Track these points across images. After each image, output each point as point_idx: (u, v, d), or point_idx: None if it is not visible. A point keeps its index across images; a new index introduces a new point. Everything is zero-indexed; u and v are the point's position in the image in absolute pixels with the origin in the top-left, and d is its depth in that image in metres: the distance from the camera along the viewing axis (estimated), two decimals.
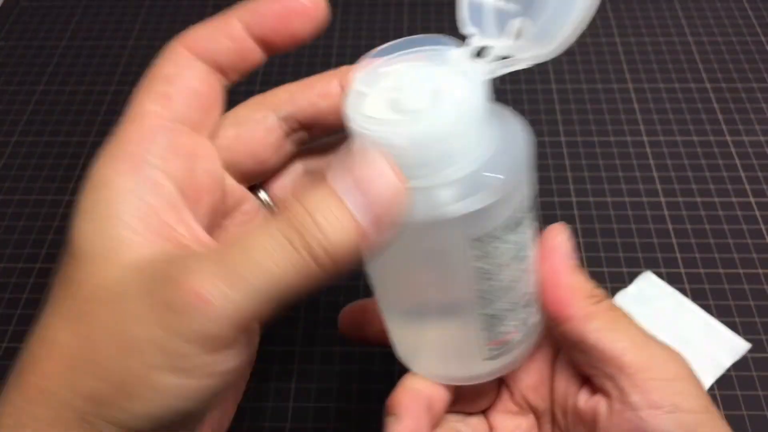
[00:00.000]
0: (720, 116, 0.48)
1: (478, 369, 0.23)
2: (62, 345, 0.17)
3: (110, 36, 0.56)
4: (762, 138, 0.46)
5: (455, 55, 0.20)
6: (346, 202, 0.17)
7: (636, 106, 0.48)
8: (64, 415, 0.17)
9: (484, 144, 0.20)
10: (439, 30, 0.55)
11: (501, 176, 0.19)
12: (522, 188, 0.21)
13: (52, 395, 0.17)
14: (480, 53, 0.21)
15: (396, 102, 0.19)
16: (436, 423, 0.24)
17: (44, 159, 0.47)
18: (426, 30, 0.55)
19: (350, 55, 0.53)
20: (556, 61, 0.52)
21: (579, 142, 0.46)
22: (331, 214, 0.16)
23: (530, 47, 0.20)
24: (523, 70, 0.53)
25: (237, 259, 0.16)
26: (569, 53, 0.52)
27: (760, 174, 0.44)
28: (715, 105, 0.48)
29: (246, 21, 0.21)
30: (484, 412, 0.27)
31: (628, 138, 0.46)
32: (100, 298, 0.18)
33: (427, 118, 0.18)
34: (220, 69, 0.22)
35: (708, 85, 0.50)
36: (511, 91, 0.50)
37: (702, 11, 0.56)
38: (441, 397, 0.24)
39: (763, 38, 0.53)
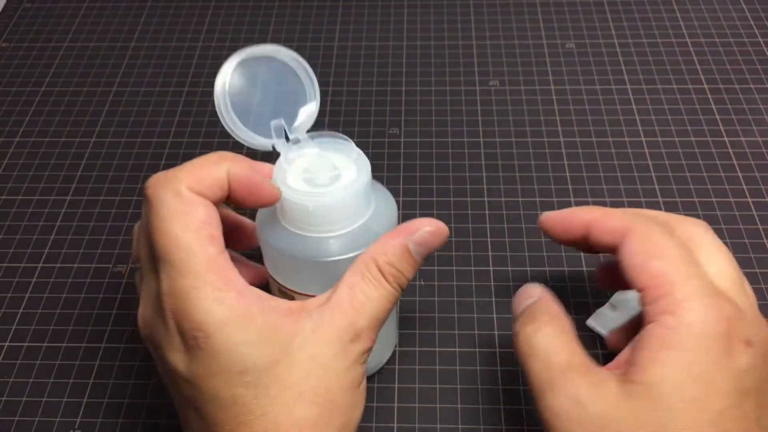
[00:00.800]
0: (718, 117, 0.48)
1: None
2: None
3: (112, 37, 0.56)
4: (759, 139, 0.46)
5: (350, 146, 0.29)
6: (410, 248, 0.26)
7: (634, 107, 0.49)
8: None
9: (366, 208, 0.28)
10: (438, 30, 0.55)
11: (380, 230, 0.28)
12: None
13: None
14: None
15: (308, 174, 0.28)
16: None
17: (47, 159, 0.47)
18: (425, 30, 0.55)
19: (350, 56, 0.53)
20: (554, 63, 0.52)
21: (577, 143, 0.46)
22: (405, 263, 0.26)
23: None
24: (522, 70, 0.54)
25: (367, 309, 0.26)
26: (568, 54, 0.53)
27: (757, 174, 0.44)
28: (713, 106, 0.49)
29: (231, 178, 0.26)
30: None
31: (627, 139, 0.47)
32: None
33: (328, 194, 0.27)
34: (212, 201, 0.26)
35: (706, 87, 0.50)
36: (510, 92, 0.50)
37: (700, 13, 0.56)
38: None
39: (760, 40, 0.54)
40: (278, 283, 0.30)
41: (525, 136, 0.47)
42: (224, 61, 0.29)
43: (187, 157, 0.46)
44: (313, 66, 0.52)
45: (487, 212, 0.43)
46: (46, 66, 0.54)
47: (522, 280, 0.39)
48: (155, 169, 0.46)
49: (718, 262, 0.27)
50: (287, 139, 0.29)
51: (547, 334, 0.27)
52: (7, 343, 0.38)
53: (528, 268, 0.40)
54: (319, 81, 0.51)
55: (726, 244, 0.40)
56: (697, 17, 0.56)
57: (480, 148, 0.46)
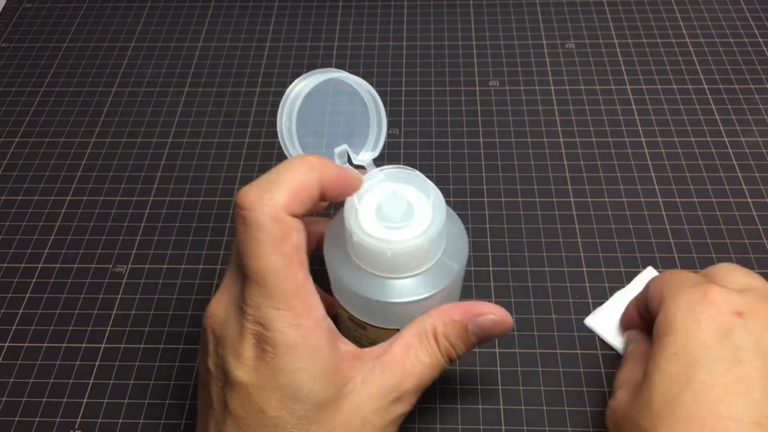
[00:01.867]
0: (717, 117, 0.48)
1: None
2: None
3: (112, 37, 0.56)
4: (759, 139, 0.46)
5: (421, 180, 0.28)
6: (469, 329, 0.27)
7: (634, 107, 0.49)
8: None
9: (442, 244, 0.28)
10: (438, 30, 0.55)
11: (456, 265, 0.28)
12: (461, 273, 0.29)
13: None
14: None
15: (380, 211, 0.27)
16: None
17: (46, 160, 0.47)
18: (425, 30, 0.55)
19: (350, 56, 0.53)
20: (554, 63, 0.52)
21: (577, 143, 0.46)
22: (460, 340, 0.27)
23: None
24: (522, 70, 0.54)
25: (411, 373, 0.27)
26: (568, 54, 0.53)
27: (757, 175, 0.44)
28: (713, 107, 0.49)
29: (322, 187, 0.26)
30: None
31: (626, 139, 0.47)
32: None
33: (405, 240, 0.26)
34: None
35: (706, 87, 0.50)
36: (510, 92, 0.50)
37: (700, 13, 0.56)
38: None
39: (760, 40, 0.54)
40: (348, 312, 0.30)
41: (525, 136, 0.47)
42: (291, 85, 0.28)
43: (187, 157, 0.46)
44: (313, 66, 0.53)
45: (487, 212, 0.43)
46: (46, 66, 0.54)
47: (522, 280, 0.39)
48: (155, 169, 0.46)
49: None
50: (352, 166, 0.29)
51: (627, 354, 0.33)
52: (7, 344, 0.38)
53: (528, 269, 0.40)
54: None
55: (726, 244, 0.40)
56: (697, 17, 0.56)
57: (480, 148, 0.46)
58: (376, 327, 0.29)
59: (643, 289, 0.33)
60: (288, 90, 0.28)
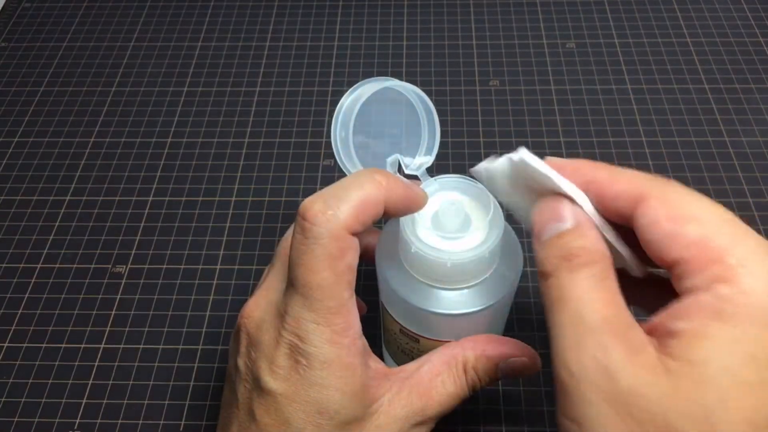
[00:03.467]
0: (718, 117, 0.48)
1: None
2: None
3: (112, 37, 0.56)
4: (760, 139, 0.46)
5: (478, 188, 0.27)
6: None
7: (634, 107, 0.49)
8: None
9: (498, 255, 0.27)
10: (438, 30, 0.55)
11: (512, 275, 0.27)
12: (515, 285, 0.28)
13: None
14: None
15: (437, 221, 0.27)
16: None
17: (46, 159, 0.47)
18: (425, 31, 0.55)
19: (350, 56, 0.53)
20: (554, 63, 0.52)
21: (578, 143, 0.46)
22: (487, 375, 0.27)
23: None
24: (522, 70, 0.54)
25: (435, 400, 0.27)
26: (568, 54, 0.53)
27: (758, 174, 0.44)
28: (714, 106, 0.49)
29: (387, 205, 0.26)
30: None
31: (627, 139, 0.46)
32: None
33: (465, 250, 0.25)
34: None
35: (706, 86, 0.50)
36: (510, 92, 0.50)
37: (700, 13, 0.56)
38: None
39: (761, 39, 0.54)
40: (400, 325, 0.29)
41: (525, 136, 0.47)
42: (344, 96, 0.28)
43: (186, 157, 0.46)
44: (313, 66, 0.53)
45: None
46: (46, 66, 0.54)
47: (522, 280, 0.39)
48: (154, 169, 0.46)
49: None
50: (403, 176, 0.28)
51: (583, 279, 0.21)
52: (6, 344, 0.38)
53: (528, 269, 0.40)
54: (318, 82, 0.52)
55: None
56: (697, 17, 0.56)
57: (480, 148, 0.46)
58: (430, 339, 0.29)
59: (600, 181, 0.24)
60: (341, 100, 0.28)
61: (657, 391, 0.19)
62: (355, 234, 0.25)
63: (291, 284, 0.24)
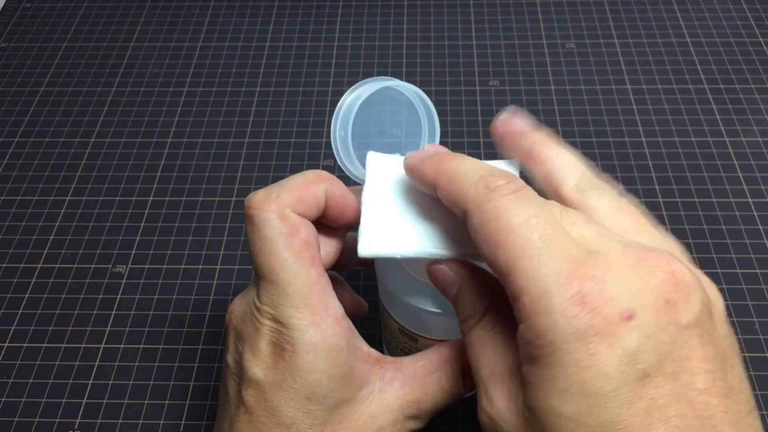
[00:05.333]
0: (718, 117, 0.48)
1: None
2: None
3: (112, 37, 0.56)
4: (760, 139, 0.46)
5: None
6: None
7: (634, 107, 0.49)
8: None
9: None
10: (438, 30, 0.55)
11: None
12: None
13: None
14: None
15: None
16: None
17: (46, 159, 0.47)
18: (425, 31, 0.55)
19: (350, 56, 0.53)
20: (554, 63, 0.52)
21: (578, 143, 0.46)
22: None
23: None
24: (522, 70, 0.54)
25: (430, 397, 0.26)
26: (568, 54, 0.53)
27: (758, 174, 0.44)
28: (714, 106, 0.49)
29: (328, 197, 0.26)
30: None
31: (627, 139, 0.46)
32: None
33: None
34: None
35: (706, 87, 0.50)
36: (510, 92, 0.50)
37: (700, 13, 0.56)
38: None
39: (761, 39, 0.54)
40: (399, 324, 0.29)
41: None
42: (344, 95, 0.28)
43: (186, 157, 0.46)
44: (313, 66, 0.53)
45: None
46: (46, 66, 0.54)
47: None
48: (155, 169, 0.46)
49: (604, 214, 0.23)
50: None
51: (476, 335, 0.23)
52: (6, 344, 0.38)
53: None
54: (318, 82, 0.52)
55: (727, 244, 0.40)
56: (697, 17, 0.56)
57: (480, 148, 0.46)
58: (428, 338, 0.29)
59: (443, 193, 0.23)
60: (341, 99, 0.28)
61: None
62: (302, 215, 0.25)
63: (258, 276, 0.25)
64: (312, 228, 0.25)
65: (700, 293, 0.20)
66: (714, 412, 0.19)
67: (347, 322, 0.25)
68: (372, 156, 0.26)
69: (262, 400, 0.24)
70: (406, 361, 0.27)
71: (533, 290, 0.19)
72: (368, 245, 0.24)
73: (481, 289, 0.24)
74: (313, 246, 0.25)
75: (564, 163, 0.24)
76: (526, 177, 0.24)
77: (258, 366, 0.24)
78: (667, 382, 0.19)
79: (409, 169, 0.25)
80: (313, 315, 0.24)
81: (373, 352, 0.27)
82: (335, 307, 0.25)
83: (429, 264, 0.24)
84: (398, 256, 0.24)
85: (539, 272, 0.19)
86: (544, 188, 0.24)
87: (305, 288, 0.24)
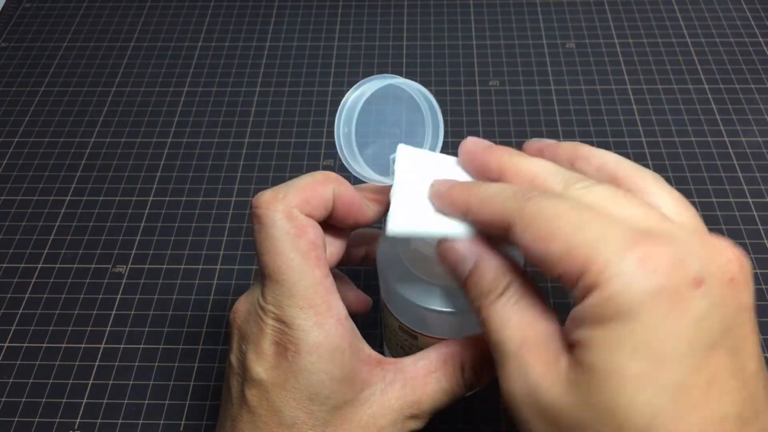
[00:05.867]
0: (718, 117, 0.48)
1: None
2: None
3: (112, 37, 0.56)
4: (760, 139, 0.46)
5: None
6: None
7: (634, 107, 0.49)
8: None
9: None
10: (438, 30, 0.55)
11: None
12: None
13: None
14: None
15: None
16: None
17: (46, 159, 0.47)
18: (425, 31, 0.55)
19: (350, 56, 0.53)
20: (554, 63, 0.52)
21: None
22: (486, 374, 0.27)
23: None
24: (522, 70, 0.54)
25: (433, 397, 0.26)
26: (568, 54, 0.53)
27: (757, 174, 0.44)
28: (713, 106, 0.49)
29: (336, 198, 0.26)
30: None
31: (627, 139, 0.46)
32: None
33: None
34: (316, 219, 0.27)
35: (706, 86, 0.50)
36: (510, 92, 0.50)
37: (700, 13, 0.56)
38: None
39: (761, 39, 0.54)
40: (399, 321, 0.29)
41: (525, 136, 0.47)
42: (348, 92, 0.28)
43: (186, 157, 0.46)
44: (313, 66, 0.53)
45: None
46: (46, 66, 0.54)
47: None
48: (155, 169, 0.46)
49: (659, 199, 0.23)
50: None
51: (499, 310, 0.23)
52: (6, 344, 0.38)
53: (529, 268, 0.39)
54: (318, 82, 0.52)
55: None
56: (697, 17, 0.56)
57: None
58: (428, 336, 0.29)
59: (472, 189, 0.24)
60: (345, 97, 0.28)
61: (570, 402, 0.20)
62: (310, 216, 0.25)
63: (263, 275, 0.25)
64: (319, 229, 0.26)
65: (752, 284, 0.21)
66: (762, 396, 0.20)
67: (350, 324, 0.26)
68: (402, 148, 0.26)
69: (264, 400, 0.24)
70: (407, 361, 0.27)
71: (601, 256, 0.19)
72: (399, 224, 0.24)
73: (503, 263, 0.24)
74: (320, 247, 0.25)
75: (541, 166, 0.24)
76: None
77: (261, 366, 0.24)
78: (728, 355, 0.19)
79: (436, 196, 0.25)
80: (317, 316, 0.24)
81: (374, 353, 0.27)
82: (339, 309, 0.25)
83: (440, 243, 0.24)
84: (428, 236, 0.24)
85: (603, 240, 0.20)
86: None
87: (310, 289, 0.24)
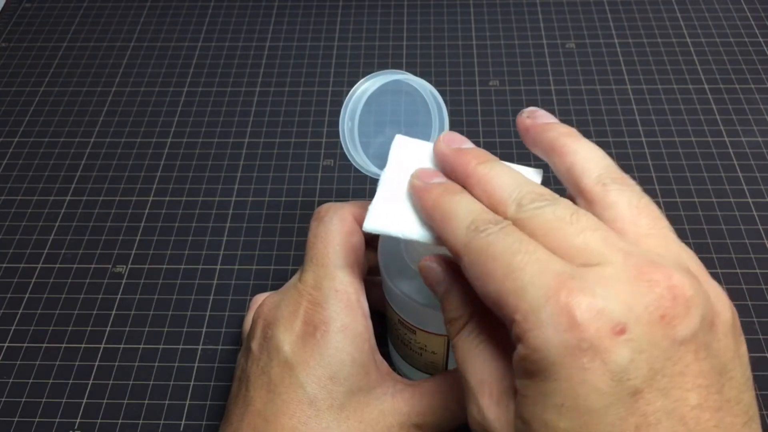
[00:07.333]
0: (718, 117, 0.48)
1: None
2: None
3: (112, 37, 0.56)
4: (760, 139, 0.46)
5: None
6: None
7: (634, 107, 0.49)
8: None
9: None
10: (438, 30, 0.55)
11: None
12: None
13: None
14: None
15: None
16: None
17: (46, 159, 0.47)
18: (425, 31, 0.55)
19: (350, 56, 0.53)
20: (554, 63, 0.52)
21: None
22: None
23: None
24: (522, 70, 0.54)
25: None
26: (568, 54, 0.53)
27: (757, 175, 0.44)
28: (714, 106, 0.49)
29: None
30: None
31: (627, 139, 0.46)
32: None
33: None
34: None
35: (706, 86, 0.50)
36: (510, 92, 0.50)
37: (700, 13, 0.56)
38: None
39: (761, 39, 0.54)
40: (399, 316, 0.30)
41: None
42: (354, 86, 0.28)
43: (186, 157, 0.46)
44: (313, 66, 0.53)
45: None
46: (46, 66, 0.54)
47: None
48: (155, 169, 0.46)
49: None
50: None
51: (462, 345, 0.23)
52: (6, 344, 0.38)
53: None
54: (318, 82, 0.52)
55: (727, 244, 0.40)
56: (697, 17, 0.56)
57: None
58: (426, 332, 0.29)
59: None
60: (351, 91, 0.28)
61: None
62: (358, 223, 0.28)
63: (309, 262, 0.28)
64: (362, 238, 0.29)
65: (701, 308, 0.19)
66: (705, 427, 0.18)
67: (371, 324, 0.28)
68: (399, 139, 0.26)
69: (287, 376, 0.26)
70: (416, 379, 0.29)
71: (523, 307, 0.19)
72: (374, 221, 0.25)
73: (467, 294, 0.23)
74: (361, 253, 0.29)
75: (587, 156, 0.24)
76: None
77: (289, 344, 0.27)
78: (658, 398, 0.18)
79: (413, 189, 0.25)
80: (348, 302, 0.27)
81: (386, 365, 0.29)
82: (365, 306, 0.28)
83: (421, 261, 0.25)
84: (399, 236, 0.24)
85: (526, 290, 0.19)
86: (565, 181, 0.24)
87: (347, 279, 0.28)
